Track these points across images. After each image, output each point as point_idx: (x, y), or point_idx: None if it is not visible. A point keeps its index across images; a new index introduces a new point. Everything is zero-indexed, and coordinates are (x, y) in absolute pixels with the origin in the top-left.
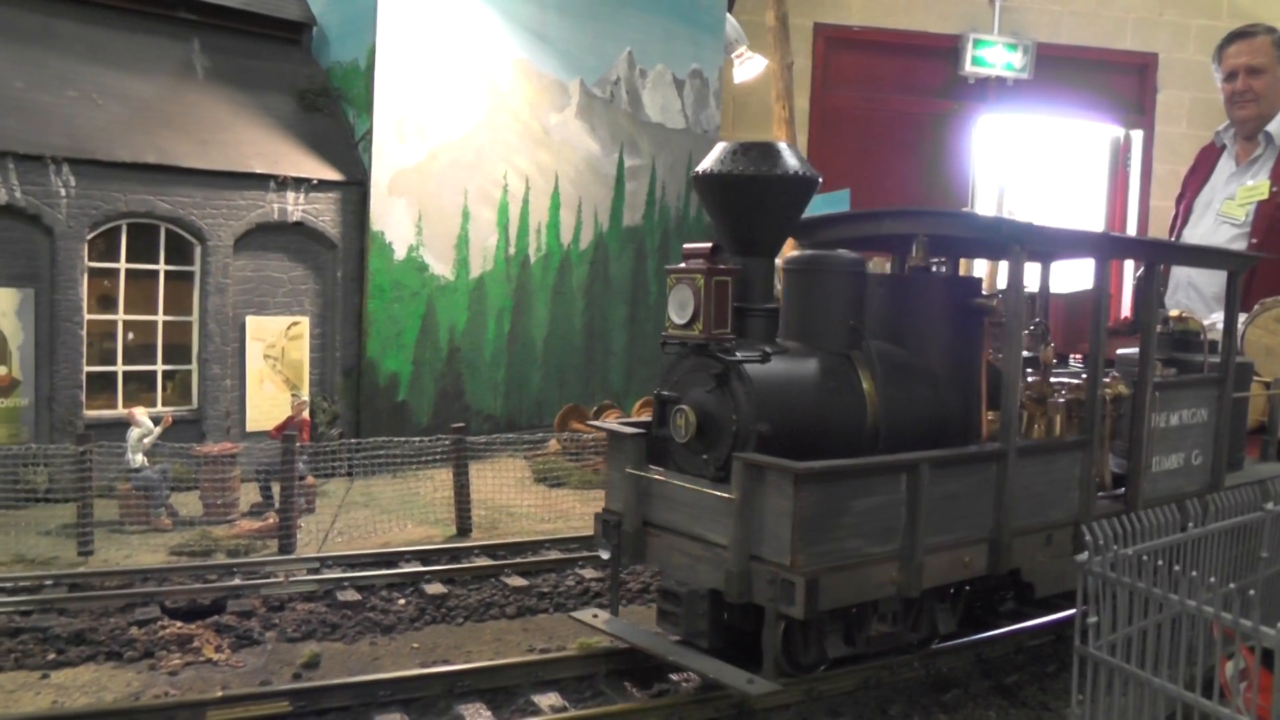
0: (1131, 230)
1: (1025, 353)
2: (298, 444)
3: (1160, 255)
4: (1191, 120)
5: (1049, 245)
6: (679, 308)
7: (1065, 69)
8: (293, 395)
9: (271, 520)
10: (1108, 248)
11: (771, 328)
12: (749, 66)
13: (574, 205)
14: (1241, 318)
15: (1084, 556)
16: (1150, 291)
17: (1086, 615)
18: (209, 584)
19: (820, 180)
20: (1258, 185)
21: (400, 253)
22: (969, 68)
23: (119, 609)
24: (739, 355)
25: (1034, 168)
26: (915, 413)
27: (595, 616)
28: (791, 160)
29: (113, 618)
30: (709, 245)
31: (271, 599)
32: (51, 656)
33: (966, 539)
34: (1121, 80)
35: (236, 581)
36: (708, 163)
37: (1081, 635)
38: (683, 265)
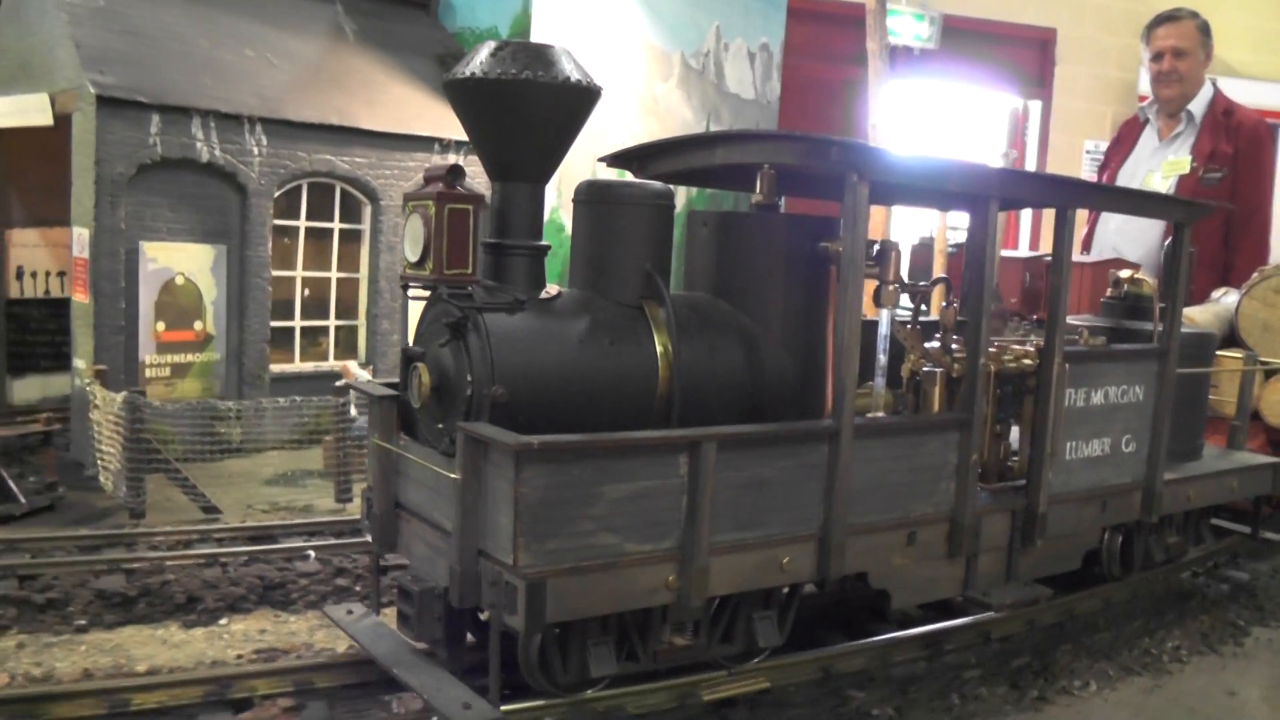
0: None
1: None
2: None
3: (1073, 199)
4: (1089, 95)
5: (901, 178)
6: (411, 242)
7: (970, 41)
8: None
9: None
10: (992, 186)
11: (536, 270)
12: None
13: None
14: (1218, 292)
15: None
16: (1061, 243)
17: None
18: None
19: (602, 91)
20: (1180, 160)
21: (544, 214)
22: None
23: None
24: (480, 302)
25: (937, 135)
26: (726, 380)
27: (350, 613)
28: (567, 66)
29: None
30: (447, 165)
31: None
32: None
33: (783, 536)
34: (1022, 54)
35: None
36: (463, 65)
37: None
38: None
